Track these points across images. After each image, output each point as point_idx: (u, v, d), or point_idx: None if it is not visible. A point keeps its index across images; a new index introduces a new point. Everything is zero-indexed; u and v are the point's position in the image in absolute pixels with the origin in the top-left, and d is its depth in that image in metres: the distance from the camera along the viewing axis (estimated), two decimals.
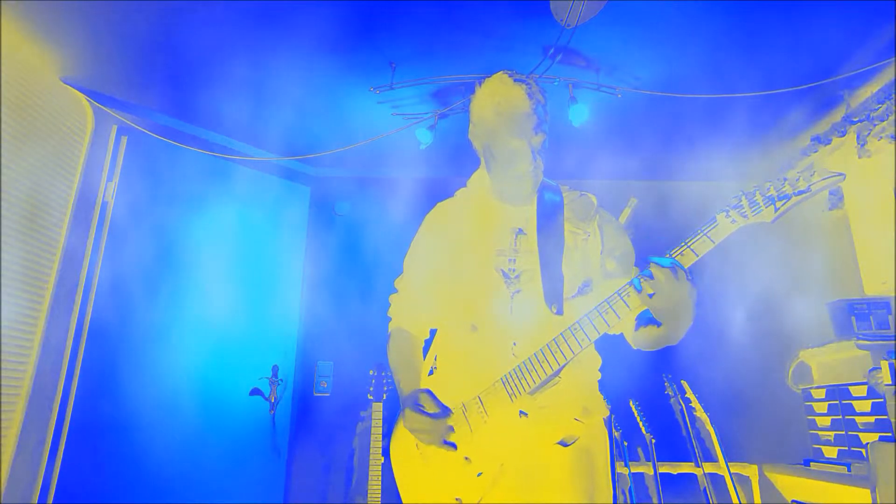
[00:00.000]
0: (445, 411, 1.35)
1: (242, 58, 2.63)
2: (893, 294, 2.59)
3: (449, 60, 2.67)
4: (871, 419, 2.51)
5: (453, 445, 1.33)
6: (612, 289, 1.29)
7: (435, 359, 1.51)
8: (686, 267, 1.22)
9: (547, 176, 1.57)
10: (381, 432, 2.92)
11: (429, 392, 1.39)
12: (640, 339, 1.42)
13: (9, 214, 2.31)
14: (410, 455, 1.41)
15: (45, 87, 2.53)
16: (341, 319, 3.52)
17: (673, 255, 1.23)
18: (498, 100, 1.44)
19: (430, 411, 1.34)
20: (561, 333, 1.30)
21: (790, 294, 3.33)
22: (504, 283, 1.41)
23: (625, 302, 1.26)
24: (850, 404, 2.65)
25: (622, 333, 1.48)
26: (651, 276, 1.20)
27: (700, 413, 3.02)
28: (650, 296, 1.21)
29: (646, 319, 1.36)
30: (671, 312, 1.24)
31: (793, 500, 2.91)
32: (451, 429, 1.34)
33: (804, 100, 2.87)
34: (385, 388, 3.01)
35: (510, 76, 1.46)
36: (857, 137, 2.74)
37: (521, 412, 1.33)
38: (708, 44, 2.50)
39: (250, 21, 2.38)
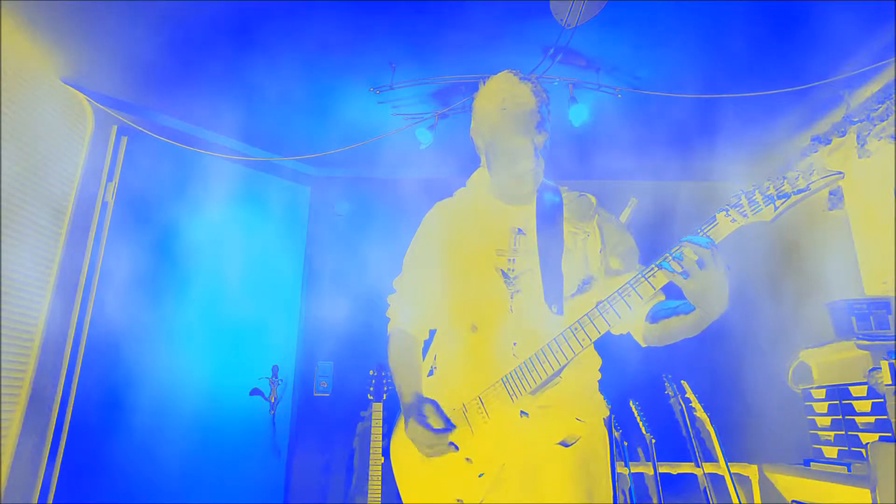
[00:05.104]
0: (449, 427, 1.33)
1: (242, 58, 2.63)
2: (893, 294, 2.59)
3: (449, 60, 2.67)
4: (871, 419, 2.51)
5: (455, 447, 1.33)
6: (615, 286, 1.27)
7: (434, 359, 1.51)
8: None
9: (547, 176, 1.57)
10: (381, 432, 2.92)
11: (435, 404, 1.37)
12: (658, 332, 1.36)
13: (9, 214, 2.31)
14: (411, 456, 1.41)
15: (45, 87, 2.53)
16: (341, 319, 3.52)
17: (672, 254, 1.20)
18: (503, 97, 1.44)
19: (435, 426, 1.32)
20: (562, 333, 1.29)
21: (790, 294, 3.33)
22: (504, 283, 1.40)
23: (650, 283, 1.23)
24: (850, 404, 2.65)
25: (629, 333, 1.46)
26: (681, 258, 1.17)
27: (700, 413, 3.01)
28: (684, 276, 1.17)
29: (669, 310, 1.32)
30: (708, 294, 1.18)
31: (793, 500, 2.91)
32: (454, 445, 1.32)
33: (804, 100, 2.87)
34: (385, 388, 3.01)
35: (515, 74, 1.46)
36: (857, 137, 2.74)
37: (521, 412, 1.33)
38: (708, 44, 2.50)
39: (250, 21, 2.38)
